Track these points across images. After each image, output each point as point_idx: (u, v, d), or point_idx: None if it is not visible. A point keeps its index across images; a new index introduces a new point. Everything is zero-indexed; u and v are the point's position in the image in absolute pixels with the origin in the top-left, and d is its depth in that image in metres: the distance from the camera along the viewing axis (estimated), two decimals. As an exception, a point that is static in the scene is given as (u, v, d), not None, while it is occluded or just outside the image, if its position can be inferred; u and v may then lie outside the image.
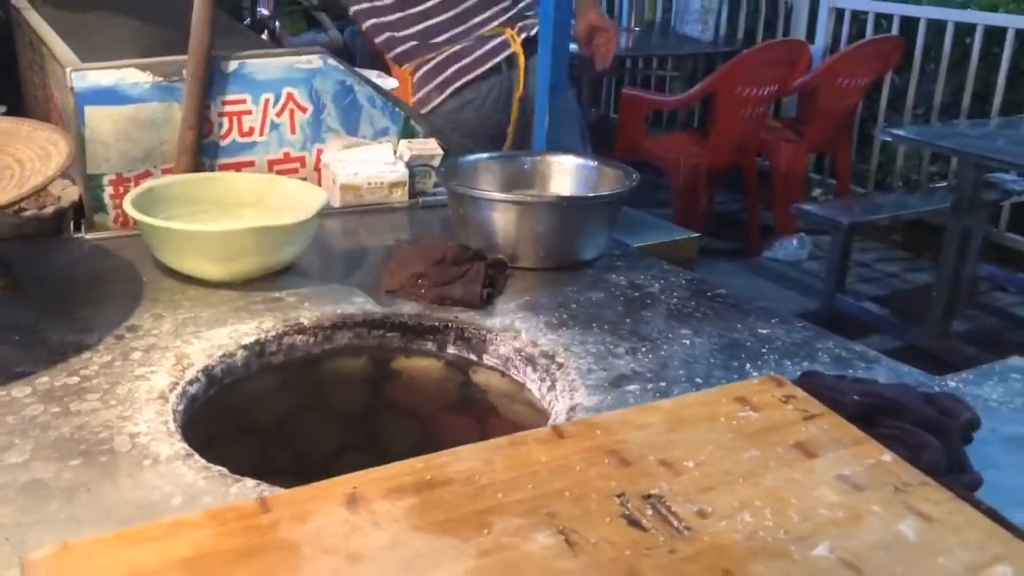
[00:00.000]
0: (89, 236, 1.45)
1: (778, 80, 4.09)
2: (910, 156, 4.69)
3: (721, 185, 4.57)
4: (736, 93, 3.98)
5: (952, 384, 1.03)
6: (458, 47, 2.07)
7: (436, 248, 1.28)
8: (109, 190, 1.50)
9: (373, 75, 1.79)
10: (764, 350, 1.11)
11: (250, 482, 0.83)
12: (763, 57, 4.14)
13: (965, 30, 4.39)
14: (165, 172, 1.53)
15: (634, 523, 0.69)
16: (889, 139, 3.40)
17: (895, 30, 4.59)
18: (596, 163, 1.48)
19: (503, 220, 1.33)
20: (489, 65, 2.07)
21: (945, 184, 4.28)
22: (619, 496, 0.72)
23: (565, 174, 1.48)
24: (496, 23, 2.10)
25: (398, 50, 2.06)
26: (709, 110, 4.34)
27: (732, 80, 3.96)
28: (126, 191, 1.52)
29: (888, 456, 0.79)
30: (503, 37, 2.08)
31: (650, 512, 0.70)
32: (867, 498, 0.74)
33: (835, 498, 0.73)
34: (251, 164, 1.62)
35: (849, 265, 3.81)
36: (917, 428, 0.86)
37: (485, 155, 1.52)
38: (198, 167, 1.55)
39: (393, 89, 1.73)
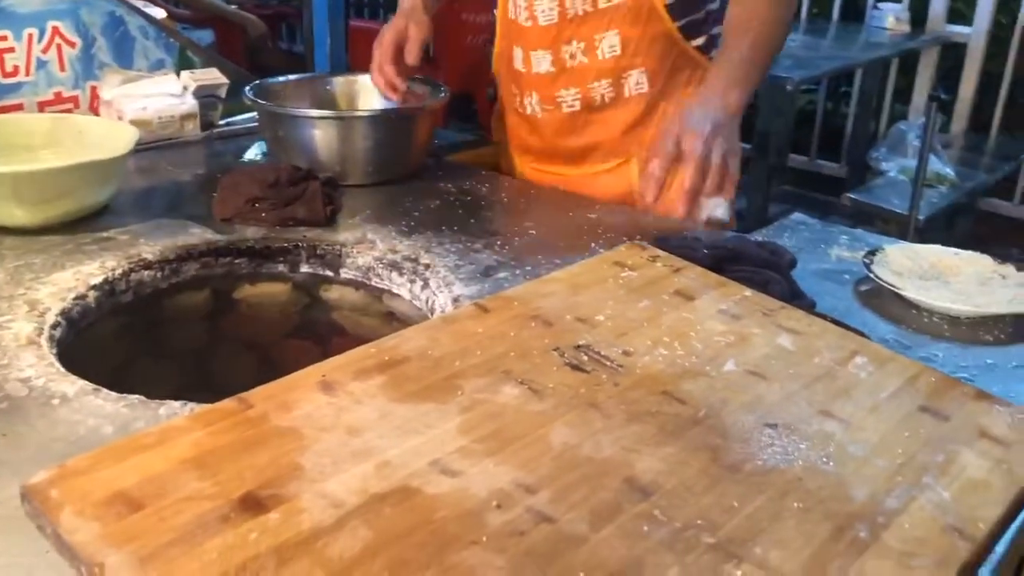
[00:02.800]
0: None
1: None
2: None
3: (456, 117, 4.66)
4: (460, 20, 4.06)
5: (758, 238, 1.20)
6: None
7: (268, 171, 1.27)
8: None
9: (140, 4, 1.69)
10: (600, 231, 1.22)
11: (175, 403, 0.83)
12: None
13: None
14: (-77, 121, 1.37)
15: (577, 368, 0.78)
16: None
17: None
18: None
19: (327, 138, 1.34)
20: None
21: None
22: (555, 349, 0.80)
23: (372, 92, 1.50)
24: None
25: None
26: (436, 39, 4.40)
27: (454, 7, 4.03)
28: None
29: (749, 292, 0.94)
30: None
31: (585, 358, 0.79)
32: (746, 324, 0.88)
33: (722, 327, 0.87)
34: (19, 107, 1.49)
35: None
36: (759, 269, 1.01)
37: (292, 76, 1.50)
38: (-39, 113, 1.40)
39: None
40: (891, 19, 3.79)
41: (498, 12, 1.49)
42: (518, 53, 1.44)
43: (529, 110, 1.46)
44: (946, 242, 1.21)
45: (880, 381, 0.81)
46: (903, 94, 4.30)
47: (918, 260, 1.11)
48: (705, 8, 1.36)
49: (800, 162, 4.55)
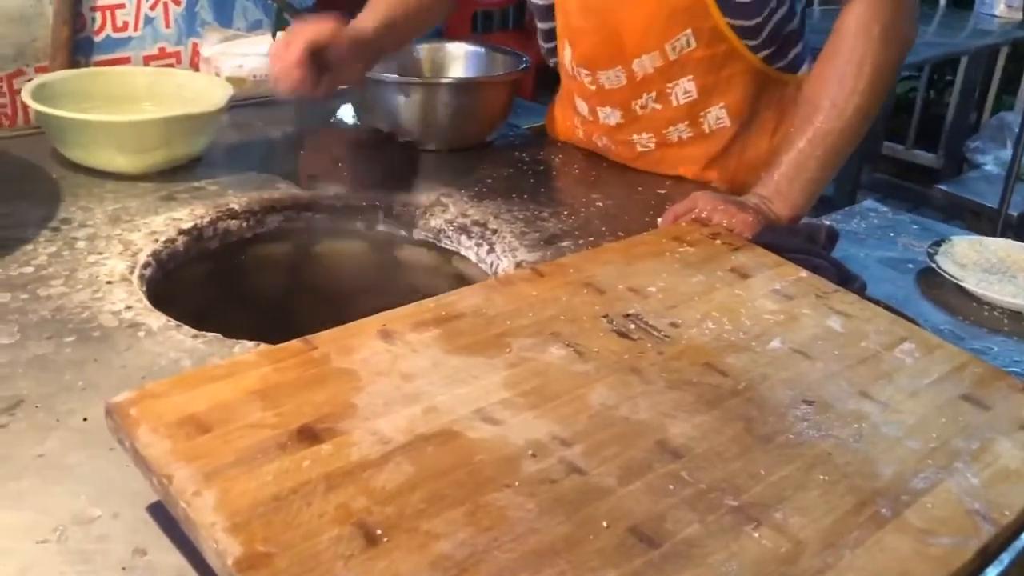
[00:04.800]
0: (-36, 139, 1.38)
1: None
2: None
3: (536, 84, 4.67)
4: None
5: (827, 223, 1.20)
6: None
7: (351, 133, 1.33)
8: (-20, 90, 1.43)
9: (242, -34, 1.76)
10: (668, 206, 1.24)
11: (248, 343, 0.89)
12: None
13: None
14: (39, 71, 1.47)
15: (623, 335, 0.81)
16: None
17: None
18: (486, 49, 1.55)
19: (409, 103, 1.38)
20: None
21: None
22: (604, 316, 0.83)
23: (457, 60, 1.54)
24: None
25: None
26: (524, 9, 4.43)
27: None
28: (-3, 91, 1.46)
29: (804, 273, 0.95)
30: None
31: (633, 327, 0.82)
32: (797, 304, 0.89)
33: (773, 306, 0.88)
34: (126, 61, 1.58)
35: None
36: (807, 256, 1.01)
37: (379, 43, 1.55)
38: (73, 65, 1.49)
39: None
40: (1002, 5, 3.65)
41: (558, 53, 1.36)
42: (581, 105, 1.38)
43: (600, 144, 1.40)
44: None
45: (925, 367, 0.82)
46: (1012, 84, 4.14)
47: (985, 253, 1.10)
48: (783, 32, 1.25)
49: (896, 151, 4.43)
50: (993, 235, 1.46)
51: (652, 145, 1.33)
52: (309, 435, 0.64)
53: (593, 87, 1.32)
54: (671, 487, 0.63)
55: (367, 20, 1.25)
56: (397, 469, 0.62)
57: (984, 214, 2.76)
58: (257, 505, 0.57)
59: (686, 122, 1.28)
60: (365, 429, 0.65)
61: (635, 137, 1.34)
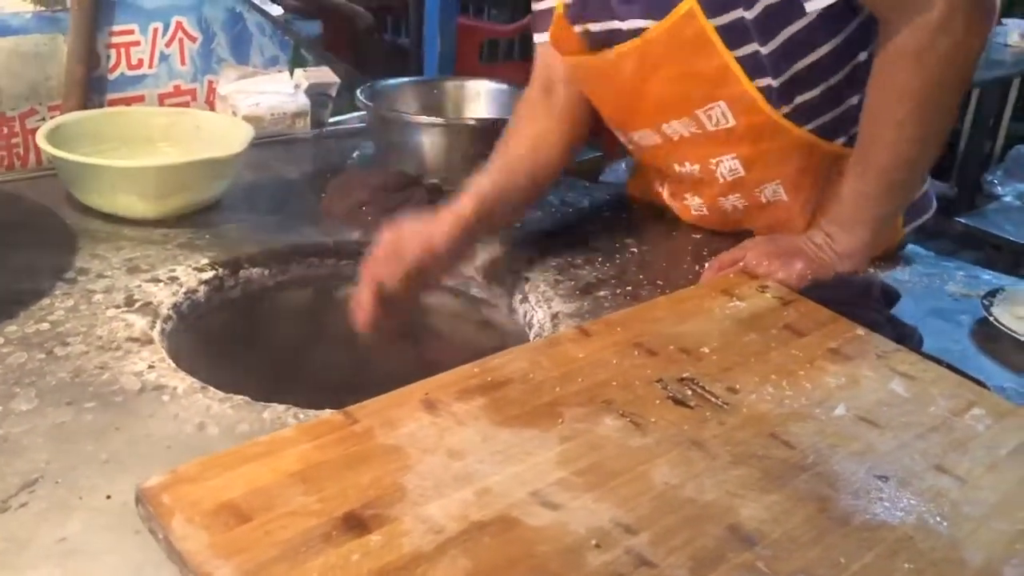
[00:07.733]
0: (-27, 182, 1.34)
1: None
2: None
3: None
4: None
5: (871, 270, 1.16)
6: None
7: (376, 175, 1.29)
8: (-8, 131, 1.40)
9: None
10: (705, 253, 1.20)
11: (279, 406, 0.84)
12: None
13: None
14: (52, 111, 1.43)
15: (680, 403, 0.76)
16: None
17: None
18: (508, 86, 1.52)
19: (435, 144, 1.35)
20: None
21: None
22: (658, 381, 0.79)
23: (479, 98, 1.51)
24: None
25: None
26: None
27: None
28: (11, 132, 1.42)
29: (861, 330, 0.91)
30: None
31: (689, 392, 0.78)
32: (858, 365, 0.85)
33: (833, 367, 0.84)
34: (141, 99, 1.55)
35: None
36: (860, 311, 0.96)
37: (402, 79, 1.52)
38: (87, 104, 1.46)
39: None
40: (1015, 35, 3.63)
41: None
42: (630, 159, 1.30)
43: (665, 198, 1.31)
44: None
45: (998, 436, 0.77)
46: None
47: (1043, 304, 1.05)
48: (845, 104, 1.11)
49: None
50: (1017, 269, 1.41)
51: (705, 211, 1.23)
52: (356, 523, 0.59)
53: (631, 145, 1.24)
54: (748, 580, 0.59)
55: (467, 204, 1.09)
56: (453, 564, 0.57)
57: (1007, 248, 2.71)
58: (304, 608, 0.52)
59: (738, 194, 1.17)
60: (415, 516, 0.60)
61: (688, 198, 1.24)
